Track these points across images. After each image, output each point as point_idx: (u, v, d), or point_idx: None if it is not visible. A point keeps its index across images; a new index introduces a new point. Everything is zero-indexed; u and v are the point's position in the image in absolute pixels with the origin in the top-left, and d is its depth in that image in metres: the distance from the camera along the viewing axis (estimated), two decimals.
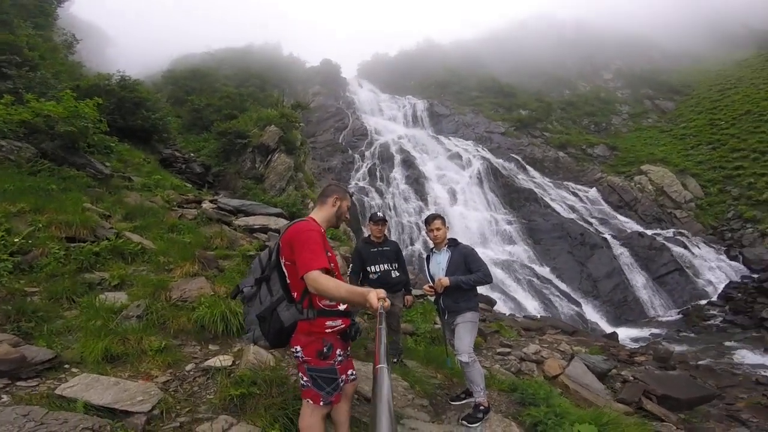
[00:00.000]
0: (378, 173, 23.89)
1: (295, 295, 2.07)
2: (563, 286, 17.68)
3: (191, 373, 3.21)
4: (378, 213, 4.58)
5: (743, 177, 23.97)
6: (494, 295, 14.41)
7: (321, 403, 2.06)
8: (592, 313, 16.47)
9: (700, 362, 10.01)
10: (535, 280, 17.54)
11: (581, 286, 17.97)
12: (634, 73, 40.87)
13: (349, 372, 2.33)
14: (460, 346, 3.61)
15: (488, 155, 26.99)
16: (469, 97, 38.88)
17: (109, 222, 6.18)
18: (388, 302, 1.76)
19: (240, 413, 2.71)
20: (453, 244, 3.86)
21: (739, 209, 22.59)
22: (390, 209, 20.99)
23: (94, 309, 3.77)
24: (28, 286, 4.21)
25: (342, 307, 2.12)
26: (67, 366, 3.04)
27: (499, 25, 56.86)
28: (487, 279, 3.70)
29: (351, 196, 2.52)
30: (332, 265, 2.11)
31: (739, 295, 15.93)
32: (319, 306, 2.06)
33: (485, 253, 17.32)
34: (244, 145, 15.94)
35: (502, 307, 14.33)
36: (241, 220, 8.66)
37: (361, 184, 22.90)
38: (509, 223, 21.12)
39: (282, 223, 9.39)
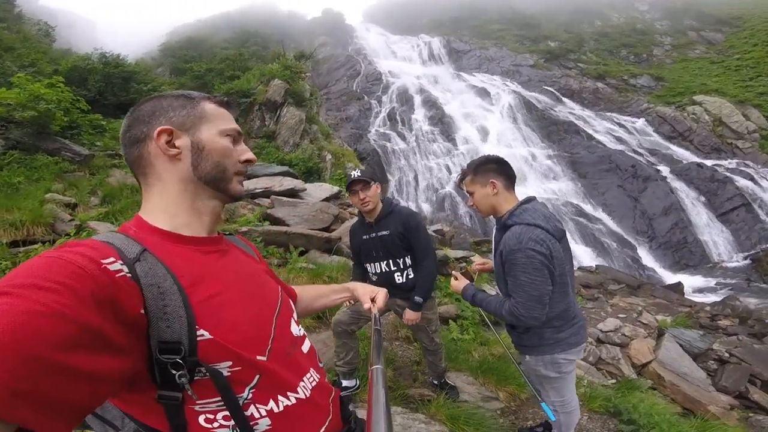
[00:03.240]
0: (398, 117, 21.83)
1: None
2: (615, 226, 15.83)
3: None
4: (353, 173, 2.39)
5: None
6: None
7: None
8: (647, 258, 14.66)
9: None
10: (582, 220, 15.74)
11: (635, 225, 16.07)
12: (673, 5, 36.99)
13: None
14: (544, 397, 2.16)
15: (518, 88, 24.38)
16: (490, 30, 35.40)
17: (76, 211, 5.38)
18: (381, 303, 1.10)
19: None
20: (509, 217, 1.84)
21: None
22: (415, 153, 19.15)
23: None
24: None
25: None
26: None
27: None
28: (514, 317, 1.78)
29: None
30: None
31: None
32: None
33: (525, 192, 15.47)
34: (250, 103, 14.79)
35: None
36: None
37: (381, 130, 20.97)
38: (549, 157, 19.04)
39: (289, 183, 7.77)
